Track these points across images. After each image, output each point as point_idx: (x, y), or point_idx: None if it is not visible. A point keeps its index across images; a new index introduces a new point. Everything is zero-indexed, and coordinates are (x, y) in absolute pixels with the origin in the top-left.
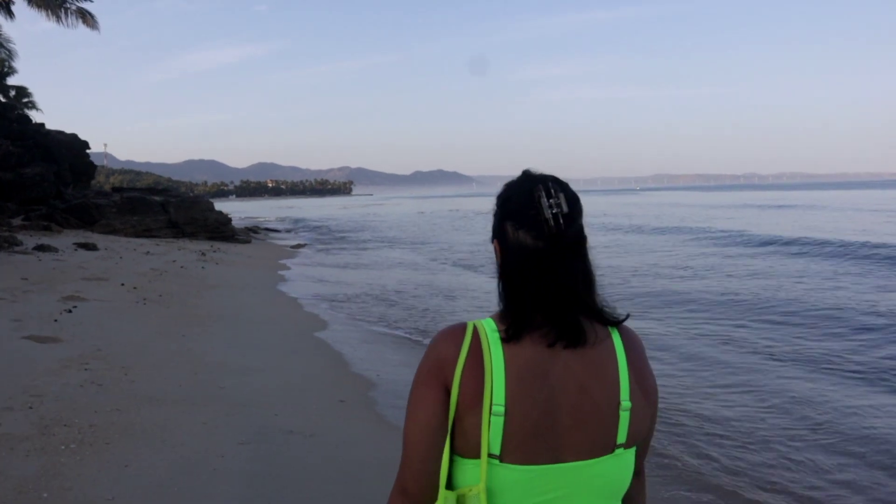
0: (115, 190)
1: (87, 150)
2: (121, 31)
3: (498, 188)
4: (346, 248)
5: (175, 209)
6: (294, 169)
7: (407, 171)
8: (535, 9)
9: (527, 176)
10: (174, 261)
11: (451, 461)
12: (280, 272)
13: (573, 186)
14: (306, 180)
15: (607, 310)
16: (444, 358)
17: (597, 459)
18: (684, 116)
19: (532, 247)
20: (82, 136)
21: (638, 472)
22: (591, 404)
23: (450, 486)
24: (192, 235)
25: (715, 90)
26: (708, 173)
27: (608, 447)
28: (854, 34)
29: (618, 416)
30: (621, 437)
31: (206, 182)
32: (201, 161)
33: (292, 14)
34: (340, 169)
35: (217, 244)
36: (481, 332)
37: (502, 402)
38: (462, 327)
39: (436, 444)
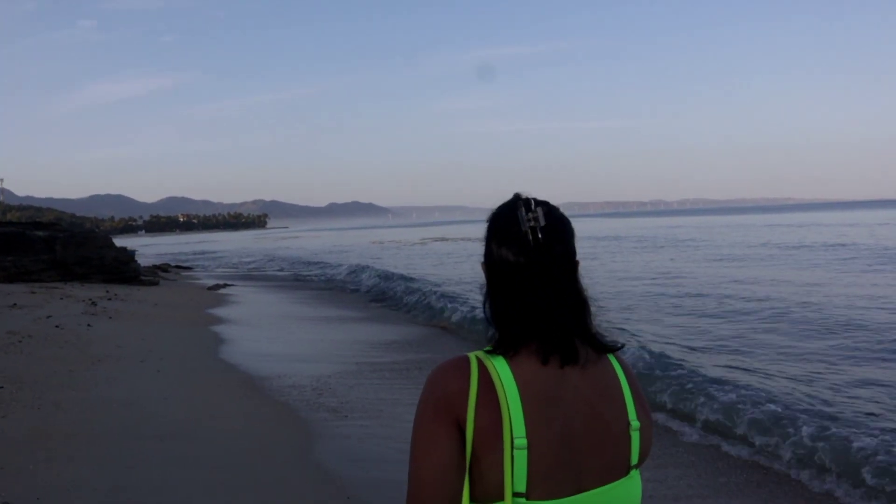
0: None
1: None
2: (18, 61)
3: (415, 219)
4: (283, 287)
5: (63, 246)
6: (206, 203)
7: (322, 203)
8: (444, 44)
9: (515, 196)
10: (49, 316)
11: None
12: (213, 328)
13: (484, 215)
14: (219, 214)
15: (601, 337)
16: (452, 392)
17: (615, 483)
18: (593, 146)
19: (513, 262)
20: None
21: None
22: (604, 427)
23: None
24: (83, 278)
25: (622, 122)
26: (616, 200)
27: (624, 469)
28: (751, 67)
29: (629, 437)
30: (634, 457)
31: (113, 218)
32: (108, 196)
33: (201, 46)
34: (254, 202)
35: (115, 288)
36: (487, 363)
37: (523, 434)
38: (465, 359)
39: (454, 488)
